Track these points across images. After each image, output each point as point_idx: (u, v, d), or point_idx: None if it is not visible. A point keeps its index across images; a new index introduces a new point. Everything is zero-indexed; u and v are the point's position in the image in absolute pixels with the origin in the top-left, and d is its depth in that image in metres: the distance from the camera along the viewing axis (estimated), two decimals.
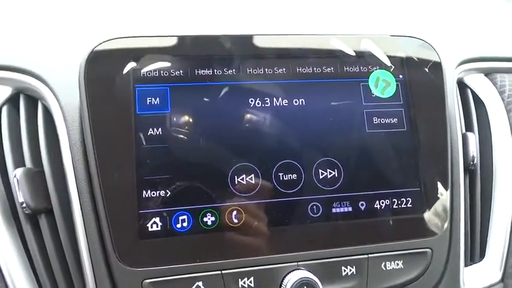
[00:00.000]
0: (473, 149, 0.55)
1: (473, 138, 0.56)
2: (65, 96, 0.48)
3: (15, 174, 0.45)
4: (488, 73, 0.64)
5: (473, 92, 0.62)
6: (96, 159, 0.44)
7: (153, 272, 0.44)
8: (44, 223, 0.46)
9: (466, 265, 0.54)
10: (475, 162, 0.55)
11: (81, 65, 0.46)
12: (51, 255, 0.46)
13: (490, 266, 0.55)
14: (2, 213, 0.46)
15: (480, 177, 0.57)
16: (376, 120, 0.51)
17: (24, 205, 0.44)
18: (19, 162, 0.48)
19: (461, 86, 0.62)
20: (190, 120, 0.47)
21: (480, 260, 0.55)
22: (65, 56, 0.50)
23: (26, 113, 0.50)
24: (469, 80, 0.63)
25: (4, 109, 0.50)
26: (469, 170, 0.56)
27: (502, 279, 0.54)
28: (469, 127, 0.59)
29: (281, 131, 0.49)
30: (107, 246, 0.44)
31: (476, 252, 0.56)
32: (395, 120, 0.52)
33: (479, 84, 0.63)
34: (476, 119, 0.60)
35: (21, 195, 0.45)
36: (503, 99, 0.61)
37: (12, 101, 0.51)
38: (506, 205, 0.55)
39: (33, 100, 0.51)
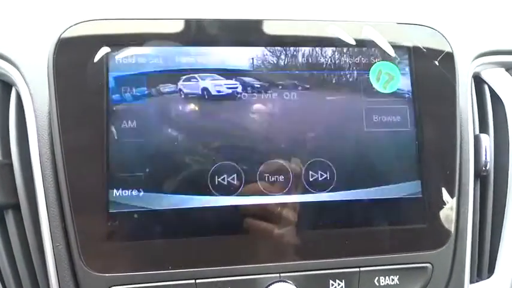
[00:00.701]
0: (487, 153, 0.50)
1: (487, 141, 0.50)
2: (36, 83, 0.45)
3: None
4: (509, 68, 0.58)
5: (491, 89, 0.56)
6: (63, 153, 0.41)
7: (120, 278, 0.40)
8: (10, 219, 0.43)
9: (471, 282, 0.49)
10: (487, 168, 0.49)
11: (50, 51, 0.42)
12: (17, 254, 0.43)
13: (499, 284, 0.49)
14: None
15: (494, 184, 0.51)
16: (376, 118, 0.46)
17: None
18: None
19: (478, 81, 0.56)
20: (168, 113, 0.43)
21: (488, 277, 0.50)
22: (37, 40, 0.46)
23: None
24: (486, 74, 0.56)
25: None
26: (480, 177, 0.51)
27: None
28: (483, 128, 0.53)
29: (268, 127, 0.44)
30: (72, 248, 0.41)
31: (484, 267, 0.50)
32: (397, 118, 0.46)
33: (498, 79, 0.56)
34: (492, 118, 0.54)
35: None
36: None
37: None
38: None
39: (8, 87, 0.48)
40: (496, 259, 0.50)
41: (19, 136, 0.45)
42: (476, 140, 0.50)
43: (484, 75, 0.56)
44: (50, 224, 0.42)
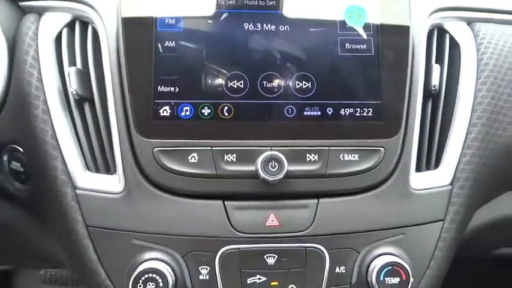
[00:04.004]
0: (436, 77, 0.65)
1: (437, 69, 0.66)
2: (108, 19, 0.64)
3: (69, 72, 0.62)
4: (469, 22, 0.73)
5: (452, 37, 0.71)
6: (126, 62, 0.60)
7: (161, 143, 0.59)
8: (87, 109, 0.63)
9: (419, 170, 0.64)
10: (435, 87, 0.65)
11: None
12: (91, 130, 0.63)
13: (442, 173, 0.64)
14: (59, 102, 0.63)
15: (445, 100, 0.67)
16: (348, 45, 0.63)
17: (74, 92, 0.61)
18: (73, 64, 0.65)
19: (443, 31, 0.72)
20: (197, 37, 0.62)
21: (434, 168, 0.65)
22: None
23: (80, 33, 0.67)
24: (449, 26, 0.72)
25: (64, 30, 0.67)
26: (432, 96, 0.66)
27: (451, 183, 0.63)
28: (440, 61, 0.68)
29: (268, 50, 0.62)
30: (130, 124, 0.59)
31: (432, 162, 0.65)
32: (364, 46, 0.63)
33: (457, 30, 0.72)
34: (448, 56, 0.69)
35: (71, 85, 0.61)
36: (475, 42, 0.70)
37: (71, 25, 0.68)
38: (463, 125, 0.65)
39: (85, 25, 0.68)
40: (442, 156, 0.65)
41: (94, 55, 0.65)
42: (430, 68, 0.66)
43: (447, 26, 0.72)
44: (115, 109, 0.61)
